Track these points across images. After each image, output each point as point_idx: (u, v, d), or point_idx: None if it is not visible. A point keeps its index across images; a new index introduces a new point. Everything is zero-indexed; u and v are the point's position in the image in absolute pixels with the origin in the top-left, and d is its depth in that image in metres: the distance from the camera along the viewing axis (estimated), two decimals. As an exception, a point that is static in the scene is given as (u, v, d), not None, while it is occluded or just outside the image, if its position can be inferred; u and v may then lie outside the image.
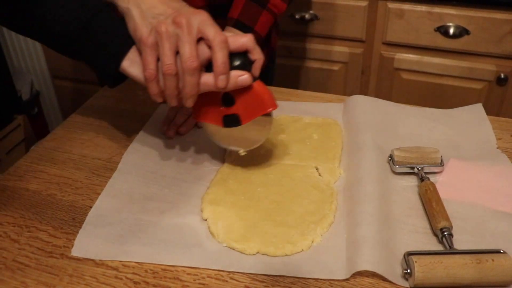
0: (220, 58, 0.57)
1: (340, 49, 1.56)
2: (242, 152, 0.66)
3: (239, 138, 0.65)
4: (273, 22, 0.87)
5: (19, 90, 1.75)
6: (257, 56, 0.61)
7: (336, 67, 1.60)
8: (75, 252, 0.59)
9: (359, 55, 1.55)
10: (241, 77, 0.59)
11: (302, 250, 0.58)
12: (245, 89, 0.60)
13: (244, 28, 0.84)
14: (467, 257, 0.53)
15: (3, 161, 1.60)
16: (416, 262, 0.52)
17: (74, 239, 0.61)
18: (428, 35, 1.43)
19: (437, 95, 1.52)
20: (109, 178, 0.71)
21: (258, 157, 0.74)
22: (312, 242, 0.59)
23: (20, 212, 0.66)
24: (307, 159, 0.73)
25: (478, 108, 0.84)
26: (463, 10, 1.37)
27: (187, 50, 0.57)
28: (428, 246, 0.58)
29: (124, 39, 0.63)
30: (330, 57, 1.59)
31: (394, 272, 0.55)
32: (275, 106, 0.61)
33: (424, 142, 0.76)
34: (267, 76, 1.14)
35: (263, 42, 0.85)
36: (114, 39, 0.64)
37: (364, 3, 1.46)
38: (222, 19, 0.94)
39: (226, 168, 0.72)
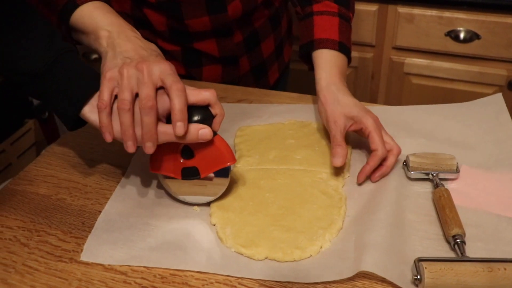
0: (177, 105, 0.58)
1: (349, 54, 1.56)
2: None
3: (196, 191, 0.65)
4: None
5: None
6: (218, 111, 0.62)
7: (345, 72, 1.60)
8: (84, 257, 0.59)
9: (369, 59, 1.55)
10: (202, 130, 0.59)
11: (311, 255, 0.58)
12: (204, 143, 0.61)
13: (345, 50, 0.82)
14: (478, 265, 0.53)
15: (14, 165, 1.61)
16: (426, 268, 0.52)
17: (83, 244, 0.61)
18: (438, 39, 1.42)
19: (447, 100, 1.51)
20: (118, 183, 0.72)
21: (267, 162, 0.74)
22: (321, 247, 0.59)
23: (30, 216, 0.66)
24: (316, 164, 0.73)
25: (497, 100, 0.83)
26: (474, 15, 1.36)
27: (144, 91, 0.59)
28: (440, 252, 0.58)
29: (87, 84, 0.63)
30: (340, 61, 1.58)
31: (404, 278, 0.54)
32: (233, 161, 0.62)
33: (440, 146, 0.75)
34: (280, 87, 1.13)
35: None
36: (78, 82, 0.63)
37: (374, 8, 1.45)
38: (227, 39, 0.95)
39: (235, 174, 0.71)
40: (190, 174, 0.64)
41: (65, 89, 0.63)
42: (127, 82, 0.59)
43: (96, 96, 0.63)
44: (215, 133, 0.62)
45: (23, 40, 0.64)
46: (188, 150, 0.63)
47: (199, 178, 0.64)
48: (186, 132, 0.59)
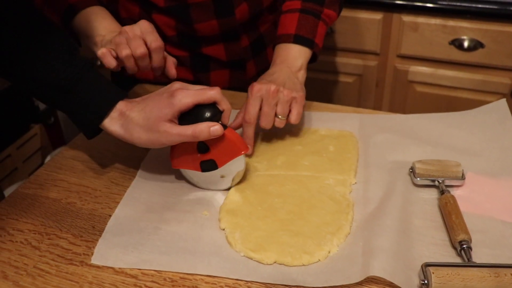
0: (156, 61, 0.74)
1: (354, 62, 1.57)
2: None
3: (217, 179, 0.70)
4: (326, 33, 0.90)
5: (36, 100, 1.77)
6: (225, 106, 0.67)
7: (350, 80, 1.61)
8: (95, 260, 0.60)
9: (373, 67, 1.56)
10: (213, 128, 0.64)
11: (319, 260, 0.59)
12: (217, 137, 0.65)
13: (304, 41, 0.84)
14: (485, 270, 0.53)
15: (20, 170, 1.62)
16: (433, 273, 0.52)
17: (93, 247, 0.62)
18: (442, 48, 1.43)
19: (451, 108, 1.52)
20: (128, 187, 0.72)
21: (275, 168, 0.75)
22: (329, 252, 0.60)
23: (40, 220, 0.67)
24: (323, 170, 0.74)
25: (501, 106, 0.84)
26: (478, 24, 1.37)
27: (133, 43, 0.72)
28: (447, 258, 0.58)
29: (108, 98, 0.68)
30: (345, 69, 1.59)
31: (411, 283, 0.55)
32: (247, 149, 0.68)
33: (446, 153, 0.75)
34: None
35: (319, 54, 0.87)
36: (99, 98, 0.68)
37: (379, 16, 1.47)
38: (234, 43, 0.96)
39: (244, 179, 0.72)
40: (208, 166, 0.68)
41: (87, 103, 0.67)
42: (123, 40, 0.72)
43: (115, 109, 0.67)
44: (225, 127, 0.66)
45: (44, 56, 0.66)
46: (203, 145, 0.67)
47: (217, 169, 0.68)
48: (198, 132, 0.63)
